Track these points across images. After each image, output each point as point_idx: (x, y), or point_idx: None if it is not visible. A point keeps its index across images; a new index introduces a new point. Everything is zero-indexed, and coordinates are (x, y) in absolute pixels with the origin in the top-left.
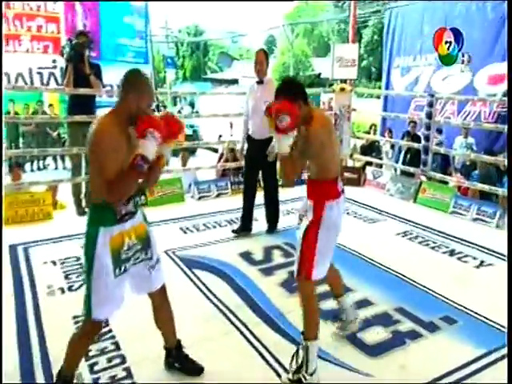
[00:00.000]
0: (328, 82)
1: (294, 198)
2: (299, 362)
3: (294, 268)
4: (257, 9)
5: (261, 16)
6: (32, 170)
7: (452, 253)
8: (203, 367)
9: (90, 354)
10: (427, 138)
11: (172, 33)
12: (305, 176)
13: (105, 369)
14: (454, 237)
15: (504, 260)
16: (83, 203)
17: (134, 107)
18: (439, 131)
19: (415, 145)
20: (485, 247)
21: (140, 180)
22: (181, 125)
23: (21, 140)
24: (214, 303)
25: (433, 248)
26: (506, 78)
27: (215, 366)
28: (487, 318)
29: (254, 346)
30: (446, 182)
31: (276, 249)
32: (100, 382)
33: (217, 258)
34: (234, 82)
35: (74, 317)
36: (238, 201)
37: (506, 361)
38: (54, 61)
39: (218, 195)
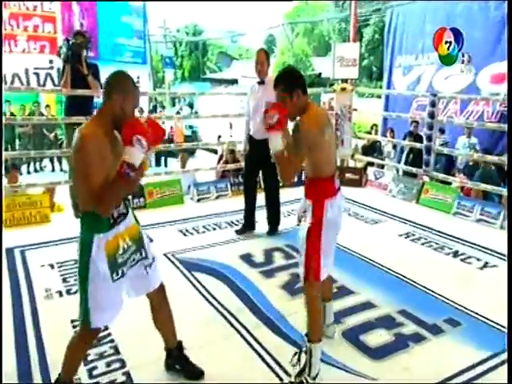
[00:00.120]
0: (329, 82)
1: (295, 199)
2: (301, 364)
3: (300, 271)
4: (256, 8)
5: (260, 15)
6: (28, 172)
7: (455, 254)
8: (203, 371)
9: (89, 358)
10: (429, 138)
11: (170, 32)
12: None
13: (104, 373)
14: (458, 238)
15: None
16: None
17: (118, 109)
18: (442, 131)
19: (417, 145)
20: (489, 248)
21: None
22: (164, 130)
23: (17, 142)
24: (214, 306)
25: (436, 249)
26: (506, 77)
27: (216, 369)
28: (492, 321)
29: (254, 349)
30: (449, 183)
31: (277, 251)
32: None
33: (217, 261)
34: (234, 82)
35: (72, 320)
36: (238, 202)
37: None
38: (50, 61)
39: (217, 197)
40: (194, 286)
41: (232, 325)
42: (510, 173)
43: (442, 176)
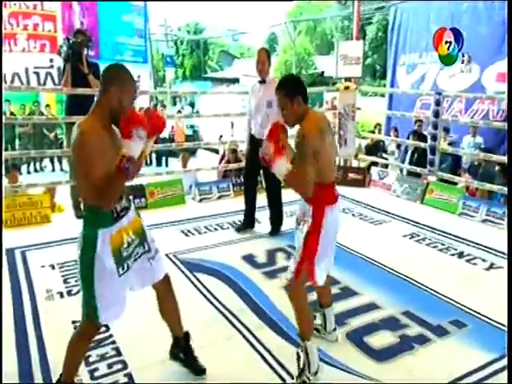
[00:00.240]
0: (331, 81)
1: (298, 200)
2: (301, 365)
3: (290, 270)
4: (258, 6)
5: (262, 13)
6: (28, 172)
7: (461, 255)
8: (205, 369)
9: (91, 359)
10: (434, 138)
11: (171, 31)
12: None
13: (105, 375)
14: (463, 238)
15: None
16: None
17: (116, 102)
18: (446, 130)
19: (422, 144)
20: (494, 249)
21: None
22: (164, 120)
23: (17, 141)
24: (216, 307)
25: (441, 250)
26: (506, 77)
27: (218, 370)
28: (498, 322)
29: (257, 350)
30: (454, 183)
31: (280, 251)
32: None
33: (219, 261)
34: (235, 81)
35: (74, 321)
36: (240, 203)
37: None
38: (51, 60)
39: (219, 197)
40: (196, 286)
41: (234, 325)
42: (510, 173)
43: (447, 176)
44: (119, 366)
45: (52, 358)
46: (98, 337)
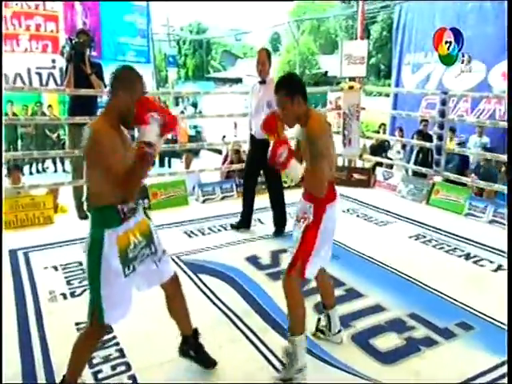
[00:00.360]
0: (335, 80)
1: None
2: (288, 359)
3: (286, 264)
4: (261, 6)
5: (265, 13)
6: (31, 173)
7: (468, 256)
8: (216, 362)
9: (94, 361)
10: (440, 137)
11: (174, 31)
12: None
13: (109, 376)
14: (470, 240)
15: None
16: (85, 207)
17: (124, 105)
18: (453, 130)
19: (428, 144)
20: (502, 250)
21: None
22: (175, 117)
23: (19, 142)
24: (220, 309)
25: (447, 251)
26: (507, 77)
27: (223, 372)
28: (506, 324)
29: (261, 353)
30: (460, 183)
31: (284, 252)
32: None
33: (223, 263)
34: (238, 81)
35: (77, 323)
36: None
37: None
38: (53, 60)
39: (223, 198)
40: (200, 288)
41: (239, 328)
42: (510, 173)
43: (453, 176)
44: (123, 368)
45: (55, 360)
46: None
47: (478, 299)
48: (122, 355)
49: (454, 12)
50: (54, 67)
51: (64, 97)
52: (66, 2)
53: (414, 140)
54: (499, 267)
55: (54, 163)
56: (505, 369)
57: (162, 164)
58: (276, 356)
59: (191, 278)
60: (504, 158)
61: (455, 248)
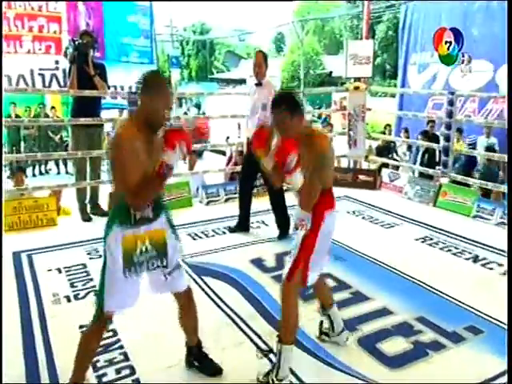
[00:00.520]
0: (340, 81)
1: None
2: (271, 365)
3: (284, 271)
4: (264, 6)
5: (268, 13)
6: (34, 175)
7: (476, 259)
8: (222, 369)
9: (98, 365)
10: (447, 138)
11: (177, 31)
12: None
13: (114, 380)
14: (478, 242)
15: None
16: (88, 209)
17: (150, 109)
18: (460, 131)
19: (435, 145)
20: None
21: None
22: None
23: (22, 144)
24: (225, 312)
25: (455, 254)
26: (507, 77)
27: (227, 377)
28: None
29: (266, 356)
30: (467, 185)
31: (288, 255)
32: None
33: (227, 265)
34: (242, 81)
35: (81, 326)
36: None
37: None
38: (56, 62)
39: (227, 199)
40: (204, 290)
41: (244, 331)
42: (510, 172)
43: (460, 177)
44: (127, 372)
45: (59, 363)
46: (105, 341)
47: (486, 302)
48: (127, 359)
49: (460, 11)
50: (57, 68)
51: (67, 98)
52: (69, 3)
53: (419, 141)
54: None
55: (57, 165)
56: None
57: None
58: None
59: (195, 281)
60: (504, 157)
61: (463, 250)
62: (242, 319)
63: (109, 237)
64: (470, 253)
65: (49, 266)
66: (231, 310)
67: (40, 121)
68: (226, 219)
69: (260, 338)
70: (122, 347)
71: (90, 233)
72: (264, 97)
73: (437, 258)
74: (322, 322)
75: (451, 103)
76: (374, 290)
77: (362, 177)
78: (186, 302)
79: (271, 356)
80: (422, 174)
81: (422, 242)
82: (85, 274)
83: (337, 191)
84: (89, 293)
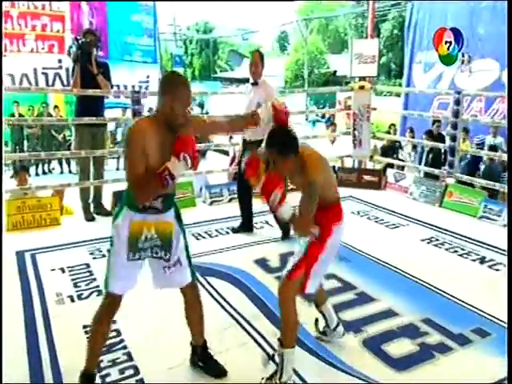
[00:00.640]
0: (344, 80)
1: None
2: (274, 369)
3: (285, 270)
4: (268, 4)
5: (272, 12)
6: (37, 174)
7: (482, 260)
8: (227, 371)
9: (102, 365)
10: (454, 138)
11: (180, 30)
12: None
13: (117, 380)
14: (484, 243)
15: None
16: (91, 208)
17: (168, 109)
18: (466, 130)
19: (441, 145)
20: None
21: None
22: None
23: (25, 143)
24: (228, 312)
25: (461, 255)
26: (507, 78)
27: (231, 377)
28: None
29: (270, 356)
30: (473, 185)
31: (293, 255)
32: None
33: (231, 265)
34: (245, 81)
35: (84, 326)
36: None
37: None
38: (59, 61)
39: (230, 199)
40: (208, 291)
41: (248, 332)
42: (510, 172)
43: (466, 178)
44: (131, 372)
45: (63, 362)
46: (109, 341)
47: (493, 304)
48: (130, 359)
49: (467, 10)
50: (60, 67)
51: (70, 97)
52: (73, 2)
53: (426, 141)
54: None
55: (60, 164)
56: None
57: None
58: None
59: (199, 281)
60: (505, 157)
61: (470, 251)
62: (245, 319)
63: (118, 218)
64: (476, 254)
65: (52, 266)
66: (235, 310)
67: (43, 120)
68: (230, 219)
69: (264, 338)
70: (125, 347)
71: (94, 232)
72: (259, 96)
73: (443, 259)
74: (317, 321)
75: (457, 102)
76: (379, 291)
77: (366, 177)
78: (190, 297)
79: (275, 356)
80: (427, 174)
81: (428, 242)
82: (88, 274)
83: (342, 191)
84: (92, 293)
